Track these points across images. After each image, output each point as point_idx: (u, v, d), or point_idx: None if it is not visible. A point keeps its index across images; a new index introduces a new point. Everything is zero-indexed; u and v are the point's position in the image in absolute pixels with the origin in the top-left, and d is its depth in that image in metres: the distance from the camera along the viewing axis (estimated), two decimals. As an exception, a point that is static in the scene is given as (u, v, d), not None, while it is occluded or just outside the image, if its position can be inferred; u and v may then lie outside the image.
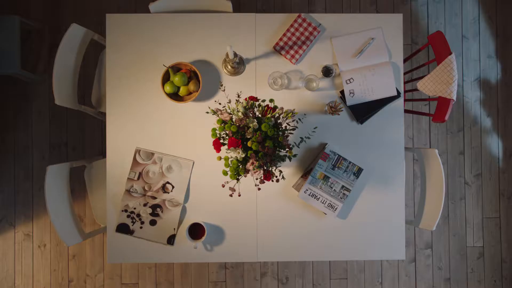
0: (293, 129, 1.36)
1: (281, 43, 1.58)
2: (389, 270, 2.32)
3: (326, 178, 1.52)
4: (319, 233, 1.58)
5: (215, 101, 1.56)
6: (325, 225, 1.58)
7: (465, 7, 2.41)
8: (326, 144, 1.56)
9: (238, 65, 1.53)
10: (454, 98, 1.62)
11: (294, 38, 1.58)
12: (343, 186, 1.52)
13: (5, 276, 2.28)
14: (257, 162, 1.21)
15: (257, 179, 1.28)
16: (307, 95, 1.59)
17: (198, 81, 1.52)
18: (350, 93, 1.57)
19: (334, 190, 1.52)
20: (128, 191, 1.57)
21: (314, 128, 1.55)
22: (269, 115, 1.27)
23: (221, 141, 1.29)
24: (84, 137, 2.32)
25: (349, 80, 1.57)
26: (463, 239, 2.36)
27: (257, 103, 1.30)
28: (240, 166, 1.25)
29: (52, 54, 2.33)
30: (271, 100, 1.30)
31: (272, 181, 1.30)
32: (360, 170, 1.53)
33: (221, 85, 1.54)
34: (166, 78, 1.52)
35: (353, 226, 1.58)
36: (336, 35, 1.60)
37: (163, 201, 1.57)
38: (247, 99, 1.28)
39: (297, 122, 1.46)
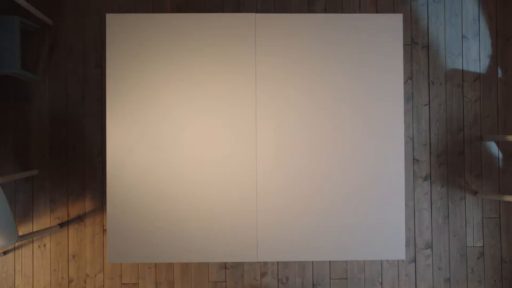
0: None
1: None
2: (389, 270, 2.32)
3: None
4: (319, 233, 1.58)
5: None
6: (325, 225, 1.58)
7: (465, 7, 2.41)
8: None
9: None
10: None
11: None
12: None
13: (5, 276, 2.28)
14: None
15: None
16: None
17: None
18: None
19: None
20: None
21: None
22: None
23: None
24: (84, 137, 2.32)
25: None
26: (463, 239, 2.36)
27: None
28: None
29: (52, 54, 2.33)
30: None
31: None
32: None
33: None
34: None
35: (353, 226, 1.58)
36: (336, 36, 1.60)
37: None
38: None
39: None
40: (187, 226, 1.57)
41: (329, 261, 2.30)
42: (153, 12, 2.34)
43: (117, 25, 1.59)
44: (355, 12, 2.36)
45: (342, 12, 2.36)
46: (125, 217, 1.58)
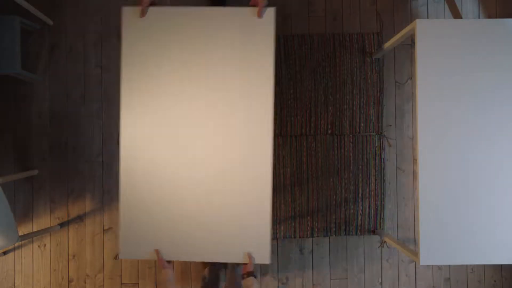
0: None
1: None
2: (389, 270, 2.32)
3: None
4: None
5: None
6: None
7: (465, 7, 2.41)
8: None
9: None
10: None
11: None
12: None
13: (5, 276, 2.28)
14: None
15: None
16: None
17: None
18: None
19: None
20: None
21: None
22: None
23: None
24: (84, 137, 2.32)
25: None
26: (463, 239, 2.36)
27: None
28: None
29: (52, 54, 2.33)
30: None
31: None
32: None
33: None
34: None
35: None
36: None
37: None
38: None
39: None
40: (201, 222, 1.56)
41: (329, 261, 2.30)
42: (153, 12, 2.34)
43: (132, 19, 1.59)
44: (355, 12, 2.36)
45: (342, 12, 2.36)
46: (138, 212, 1.56)
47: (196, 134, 1.58)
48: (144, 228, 1.57)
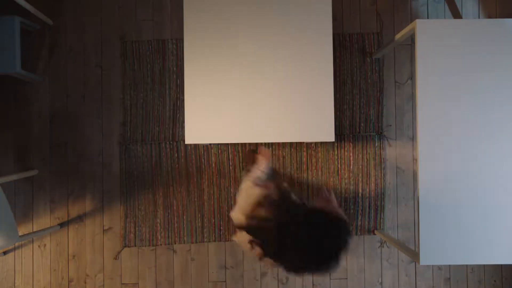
0: None
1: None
2: (389, 270, 2.32)
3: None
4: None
5: None
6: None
7: (465, 7, 2.41)
8: None
9: None
10: None
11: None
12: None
13: (5, 276, 2.28)
14: None
15: None
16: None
17: None
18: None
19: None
20: None
21: None
22: None
23: None
24: (84, 137, 2.32)
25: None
26: (463, 239, 2.36)
27: None
28: None
29: (52, 54, 2.33)
30: None
31: None
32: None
33: None
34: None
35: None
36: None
37: None
38: None
39: None
40: (270, 106, 1.73)
41: (329, 261, 2.30)
42: (152, 13, 2.34)
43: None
44: (355, 12, 2.36)
45: (342, 12, 2.36)
46: (202, 102, 1.72)
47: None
48: (209, 115, 1.72)
